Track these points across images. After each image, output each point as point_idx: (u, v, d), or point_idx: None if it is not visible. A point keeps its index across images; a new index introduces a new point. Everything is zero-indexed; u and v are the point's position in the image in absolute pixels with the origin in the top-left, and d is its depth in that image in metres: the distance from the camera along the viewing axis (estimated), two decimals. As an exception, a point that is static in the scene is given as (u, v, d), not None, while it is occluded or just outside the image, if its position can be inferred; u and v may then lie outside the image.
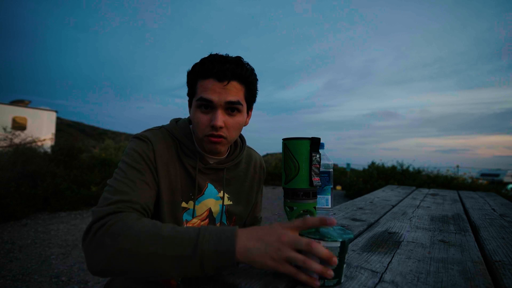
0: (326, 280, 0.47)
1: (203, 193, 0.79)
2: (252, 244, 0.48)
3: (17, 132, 6.58)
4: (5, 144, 5.97)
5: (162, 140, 0.76)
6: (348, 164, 11.88)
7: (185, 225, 0.77)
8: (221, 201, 0.82)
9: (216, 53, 0.75)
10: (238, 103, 0.72)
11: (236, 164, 0.86)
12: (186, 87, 0.79)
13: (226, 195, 0.83)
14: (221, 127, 0.71)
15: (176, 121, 0.83)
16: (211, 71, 0.70)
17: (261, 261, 0.47)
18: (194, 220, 0.80)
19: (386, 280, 0.51)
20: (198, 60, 0.75)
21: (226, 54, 0.75)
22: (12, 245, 3.07)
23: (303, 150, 0.69)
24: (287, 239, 0.48)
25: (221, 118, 0.71)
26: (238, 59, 0.73)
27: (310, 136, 0.69)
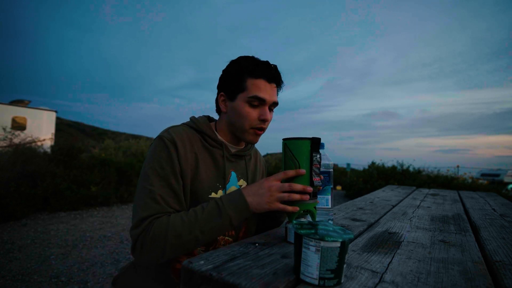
0: (326, 280, 0.47)
1: (229, 180, 0.88)
2: (255, 199, 0.70)
3: (17, 132, 6.57)
4: (5, 144, 5.97)
5: (187, 137, 0.82)
6: (348, 164, 11.88)
7: None
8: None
9: (254, 56, 0.86)
10: (277, 104, 0.87)
11: (249, 156, 0.98)
12: (222, 79, 0.87)
13: (245, 183, 0.93)
14: (268, 121, 0.85)
15: (195, 118, 0.91)
16: (264, 73, 0.82)
17: (262, 207, 0.70)
18: None
19: (386, 281, 0.51)
20: (228, 60, 0.90)
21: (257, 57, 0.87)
22: (12, 245, 3.07)
23: (303, 150, 0.69)
24: (275, 187, 0.69)
25: (269, 113, 0.84)
26: (276, 67, 0.87)
27: (310, 136, 0.69)
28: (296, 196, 0.68)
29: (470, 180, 6.92)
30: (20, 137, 6.35)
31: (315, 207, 0.71)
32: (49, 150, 6.56)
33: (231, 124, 0.87)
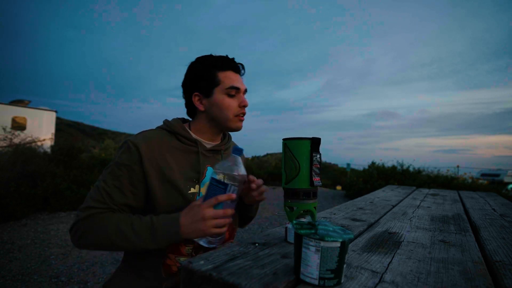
0: (326, 281, 0.47)
1: (205, 175, 0.89)
2: (190, 227, 0.73)
3: (17, 132, 6.57)
4: (4, 144, 5.97)
5: (156, 140, 0.84)
6: (348, 164, 11.88)
7: None
8: None
9: (212, 54, 0.92)
10: (247, 90, 0.94)
11: (227, 149, 1.00)
12: (191, 80, 0.91)
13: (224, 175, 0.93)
14: (247, 106, 0.91)
15: (167, 120, 0.94)
16: (231, 65, 0.90)
17: (198, 234, 0.74)
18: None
19: (387, 281, 0.51)
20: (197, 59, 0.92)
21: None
22: (12, 245, 3.07)
23: (303, 150, 0.69)
24: (209, 215, 0.72)
25: (246, 100, 0.91)
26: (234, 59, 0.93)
27: (310, 136, 0.69)
28: (228, 221, 0.74)
29: (470, 180, 6.92)
30: (20, 137, 6.35)
31: (315, 207, 0.71)
32: (49, 150, 6.56)
33: (213, 119, 0.90)
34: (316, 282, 0.48)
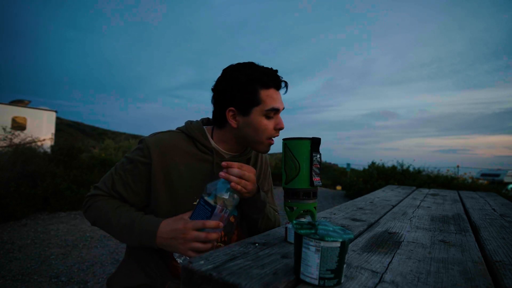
0: (326, 281, 0.47)
1: (217, 187, 0.84)
2: (167, 239, 0.73)
3: (17, 132, 6.57)
4: (5, 144, 5.96)
5: (170, 144, 0.82)
6: (348, 164, 11.88)
7: None
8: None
9: (253, 63, 0.83)
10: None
11: (247, 159, 0.95)
12: (227, 92, 0.81)
13: None
14: (283, 129, 0.85)
15: (190, 122, 0.91)
16: (273, 82, 0.81)
17: (173, 250, 0.73)
18: None
19: (387, 281, 0.51)
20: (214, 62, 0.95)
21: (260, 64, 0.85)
22: (12, 245, 3.07)
23: (303, 150, 0.69)
24: (190, 236, 0.70)
25: (283, 122, 0.85)
26: (277, 71, 0.85)
27: (310, 136, 0.69)
28: (210, 246, 0.72)
29: (470, 180, 6.91)
30: (20, 137, 6.34)
31: (315, 207, 0.71)
32: (49, 150, 6.56)
33: (243, 138, 0.84)
34: (316, 282, 0.48)
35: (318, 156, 0.70)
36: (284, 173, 0.71)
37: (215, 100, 0.86)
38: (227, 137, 0.87)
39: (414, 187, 2.46)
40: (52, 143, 9.12)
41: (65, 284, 2.28)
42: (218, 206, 0.70)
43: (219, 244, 0.87)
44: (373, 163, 8.41)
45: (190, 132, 0.86)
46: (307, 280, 0.48)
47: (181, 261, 0.76)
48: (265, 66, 0.84)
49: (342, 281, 0.49)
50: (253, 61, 0.84)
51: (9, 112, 10.08)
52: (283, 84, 0.85)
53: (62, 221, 4.05)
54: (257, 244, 0.68)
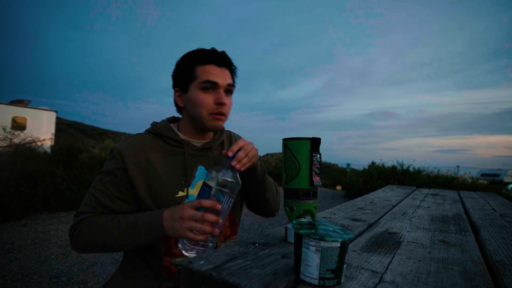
0: (326, 281, 0.47)
1: (194, 176, 0.87)
2: (169, 224, 0.72)
3: (17, 132, 6.57)
4: (5, 144, 5.97)
5: (140, 145, 0.83)
6: (348, 164, 11.89)
7: None
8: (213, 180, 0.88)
9: (201, 48, 0.86)
10: (234, 85, 0.87)
11: (221, 143, 0.96)
12: (173, 76, 0.87)
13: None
14: (225, 104, 0.83)
15: (155, 122, 0.92)
16: (212, 58, 0.82)
17: (174, 233, 0.71)
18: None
19: (387, 281, 0.51)
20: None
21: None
22: (12, 245, 3.07)
23: (303, 150, 0.69)
24: (187, 215, 0.69)
25: (225, 96, 0.83)
26: (225, 52, 0.86)
27: (310, 136, 0.69)
28: (207, 229, 0.69)
29: (470, 180, 6.92)
30: (20, 137, 6.35)
31: (315, 207, 0.71)
32: (49, 150, 6.56)
33: (191, 117, 0.86)
34: (316, 282, 0.48)
35: (318, 156, 0.70)
36: (284, 173, 0.71)
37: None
38: (186, 124, 0.89)
39: (414, 187, 2.46)
40: (52, 143, 9.12)
41: (65, 284, 2.28)
42: (215, 186, 0.71)
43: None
44: (373, 163, 8.41)
45: (157, 130, 0.87)
46: (307, 280, 0.48)
47: (180, 245, 0.73)
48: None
49: (342, 281, 0.49)
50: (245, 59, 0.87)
51: (9, 112, 10.09)
52: (226, 61, 0.85)
53: (62, 221, 4.05)
54: (257, 244, 0.68)
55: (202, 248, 0.73)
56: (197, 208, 0.70)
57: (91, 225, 0.77)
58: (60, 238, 3.36)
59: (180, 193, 0.83)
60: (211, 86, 0.81)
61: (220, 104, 0.82)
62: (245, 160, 0.76)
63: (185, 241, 0.72)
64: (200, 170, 0.88)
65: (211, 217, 0.69)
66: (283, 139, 0.72)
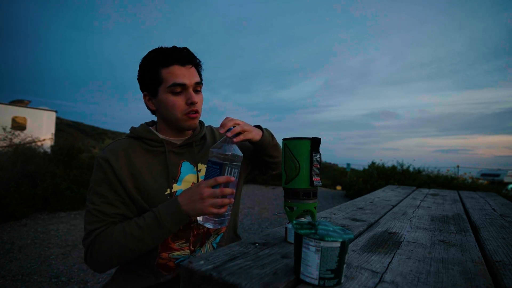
0: (326, 281, 0.47)
1: (180, 172, 0.88)
2: (190, 206, 0.74)
3: (17, 132, 6.57)
4: (5, 144, 5.97)
5: (122, 150, 0.84)
6: (348, 164, 11.88)
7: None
8: (201, 173, 0.91)
9: (162, 46, 0.85)
10: (201, 82, 0.87)
11: (202, 138, 0.97)
12: (138, 79, 0.87)
13: (203, 166, 0.92)
14: (197, 103, 0.84)
15: (134, 127, 0.92)
16: (174, 58, 0.82)
17: (197, 212, 0.74)
18: None
19: (387, 281, 0.51)
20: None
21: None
22: (12, 245, 3.07)
23: (303, 150, 0.69)
24: (207, 194, 0.72)
25: (195, 95, 0.83)
26: (187, 48, 0.86)
27: (310, 136, 0.69)
28: (227, 201, 0.73)
29: (470, 180, 6.91)
30: (20, 137, 6.35)
31: (315, 207, 0.71)
32: (49, 150, 6.56)
33: (165, 119, 0.87)
34: (316, 282, 0.48)
35: (318, 156, 0.70)
36: (284, 173, 0.71)
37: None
38: (162, 125, 0.90)
39: (414, 187, 2.46)
40: (52, 143, 9.12)
41: (65, 284, 2.28)
42: (224, 162, 0.74)
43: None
44: (373, 163, 8.40)
45: (136, 133, 0.88)
46: (307, 280, 0.48)
47: (201, 220, 0.77)
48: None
49: (342, 281, 0.49)
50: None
51: (9, 112, 10.09)
52: (188, 58, 0.84)
53: (62, 221, 4.05)
54: (257, 244, 0.68)
55: (221, 218, 0.78)
56: (213, 186, 0.73)
57: (108, 238, 0.76)
58: (60, 238, 3.36)
59: (168, 190, 0.84)
60: (180, 88, 0.82)
61: (192, 103, 0.83)
62: (238, 128, 0.79)
63: (209, 218, 0.77)
64: (186, 165, 0.90)
65: (228, 190, 0.73)
66: (283, 139, 0.72)
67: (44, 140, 9.08)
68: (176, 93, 0.82)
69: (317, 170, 0.70)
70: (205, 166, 0.92)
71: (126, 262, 0.82)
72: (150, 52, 0.85)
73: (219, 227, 0.79)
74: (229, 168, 0.75)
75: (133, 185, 0.82)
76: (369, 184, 7.21)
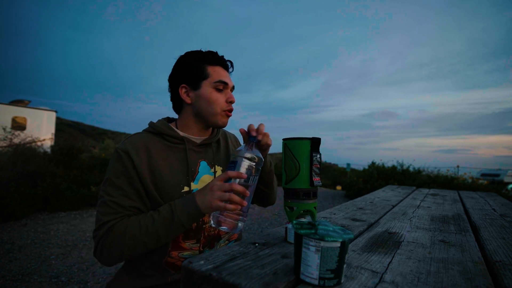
0: (326, 281, 0.47)
1: (198, 171, 0.89)
2: (201, 199, 0.74)
3: (17, 132, 6.57)
4: (5, 144, 5.97)
5: (142, 144, 0.84)
6: (348, 164, 11.88)
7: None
8: (216, 175, 0.92)
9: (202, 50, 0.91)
10: (234, 87, 0.93)
11: (217, 141, 0.99)
12: (179, 72, 0.89)
13: (219, 168, 0.94)
14: (234, 102, 0.90)
15: (153, 122, 0.92)
16: (220, 61, 0.90)
17: (207, 206, 0.73)
18: None
19: (387, 281, 0.51)
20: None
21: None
22: (12, 245, 3.07)
23: (303, 150, 0.69)
24: (216, 186, 0.72)
25: (233, 96, 0.90)
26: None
27: (310, 136, 0.69)
28: (236, 198, 0.71)
29: (470, 180, 6.91)
30: (20, 137, 6.35)
31: (315, 207, 0.71)
32: (49, 150, 6.56)
33: (199, 113, 0.89)
34: (316, 282, 0.48)
35: (318, 156, 0.70)
36: (284, 173, 0.71)
37: (169, 86, 0.93)
38: (187, 120, 0.91)
39: (414, 187, 2.46)
40: (52, 143, 9.12)
41: (65, 284, 2.28)
42: (239, 159, 0.73)
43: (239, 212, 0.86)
44: (373, 163, 8.40)
45: (157, 129, 0.88)
46: (307, 280, 0.48)
47: (211, 219, 0.75)
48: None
49: (342, 281, 0.49)
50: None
51: (9, 112, 10.09)
52: (229, 65, 0.93)
53: (62, 221, 4.05)
54: (257, 244, 0.68)
55: (232, 221, 0.74)
56: (225, 181, 0.73)
57: (122, 230, 0.74)
58: (60, 238, 3.36)
59: (186, 188, 0.85)
60: (223, 86, 0.88)
61: (231, 102, 0.89)
62: (266, 135, 0.86)
63: (216, 214, 0.74)
64: (203, 165, 0.91)
65: (238, 186, 0.71)
66: (283, 139, 0.72)
67: (44, 140, 9.08)
68: (218, 90, 0.88)
69: (317, 170, 0.70)
70: (221, 168, 0.95)
71: (136, 257, 0.81)
72: (193, 51, 0.90)
73: (229, 232, 0.76)
74: (249, 170, 0.73)
75: (151, 180, 0.82)
76: (369, 184, 7.20)
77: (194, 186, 0.86)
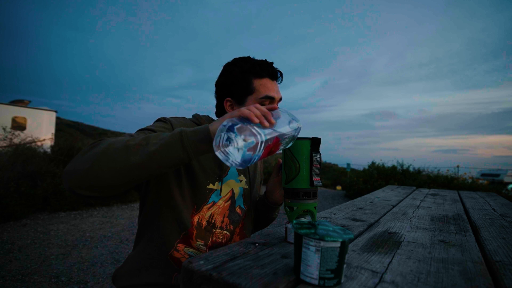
0: (326, 280, 0.47)
1: (227, 174, 0.88)
2: (217, 122, 0.62)
3: (17, 132, 6.57)
4: (5, 144, 5.97)
5: (186, 126, 0.82)
6: (348, 164, 11.89)
7: (212, 207, 0.86)
8: (240, 184, 0.92)
9: (249, 56, 0.87)
10: (282, 99, 0.89)
11: None
12: (225, 83, 0.87)
13: (244, 179, 0.94)
14: None
15: (198, 114, 0.92)
16: (267, 72, 0.85)
17: (220, 122, 0.60)
18: (220, 202, 0.87)
19: (387, 281, 0.51)
20: (210, 60, 0.95)
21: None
22: (12, 245, 3.07)
23: (303, 150, 0.69)
24: (234, 113, 0.61)
25: None
26: (273, 63, 0.88)
27: (310, 136, 0.69)
28: (256, 120, 0.59)
29: (470, 180, 6.91)
30: (20, 137, 6.35)
31: (315, 207, 0.71)
32: (49, 150, 6.56)
33: None
34: (316, 282, 0.48)
35: (318, 156, 0.70)
36: (284, 173, 0.71)
37: (216, 93, 0.91)
38: None
39: (414, 187, 2.46)
40: (52, 143, 9.12)
41: (65, 284, 2.28)
42: (283, 125, 0.65)
43: (225, 232, 0.88)
44: (373, 163, 8.41)
45: (200, 121, 0.88)
46: (307, 280, 0.48)
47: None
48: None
49: (342, 281, 0.49)
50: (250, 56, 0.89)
51: (9, 112, 10.09)
52: (278, 74, 0.88)
53: (62, 221, 4.05)
54: (257, 244, 0.68)
55: (252, 130, 0.58)
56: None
57: (120, 138, 0.64)
58: (60, 238, 3.36)
59: (211, 186, 0.84)
60: (269, 101, 0.85)
61: None
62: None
63: (222, 136, 0.57)
64: (233, 170, 0.90)
65: (268, 112, 0.62)
66: (283, 139, 0.72)
67: (44, 140, 9.08)
68: (263, 105, 0.78)
69: (317, 170, 0.70)
70: (245, 180, 0.95)
71: (106, 179, 0.60)
72: (241, 60, 0.86)
73: (236, 160, 0.57)
74: (283, 136, 0.64)
75: (185, 164, 0.80)
76: (369, 184, 7.21)
77: (218, 186, 0.86)
